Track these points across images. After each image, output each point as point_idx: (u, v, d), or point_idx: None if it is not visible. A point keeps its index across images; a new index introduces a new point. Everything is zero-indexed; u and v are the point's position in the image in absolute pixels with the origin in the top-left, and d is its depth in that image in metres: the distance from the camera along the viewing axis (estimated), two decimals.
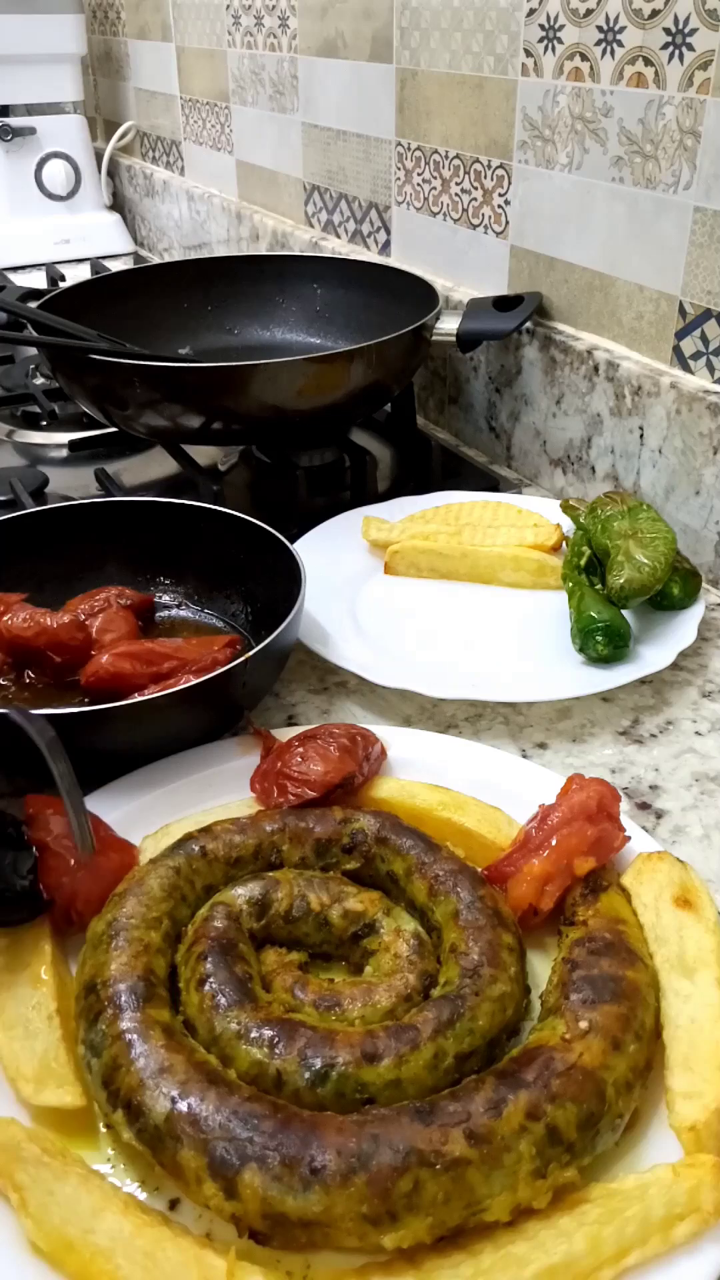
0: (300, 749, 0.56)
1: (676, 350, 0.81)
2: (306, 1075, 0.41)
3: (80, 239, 1.71)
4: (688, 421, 0.78)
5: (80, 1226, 0.37)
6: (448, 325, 0.94)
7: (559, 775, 0.57)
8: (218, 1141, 0.38)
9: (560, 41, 0.84)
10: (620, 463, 0.87)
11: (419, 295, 0.96)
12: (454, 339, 0.94)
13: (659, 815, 0.60)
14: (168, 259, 1.74)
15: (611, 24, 0.79)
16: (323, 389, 0.83)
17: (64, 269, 1.61)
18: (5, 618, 0.66)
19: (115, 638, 0.67)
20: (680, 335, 0.80)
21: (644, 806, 0.60)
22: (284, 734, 0.59)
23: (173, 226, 1.74)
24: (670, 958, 0.46)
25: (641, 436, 0.83)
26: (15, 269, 1.63)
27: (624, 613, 0.70)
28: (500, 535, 0.81)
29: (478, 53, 0.94)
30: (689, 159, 0.75)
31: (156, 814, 0.55)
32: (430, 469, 0.97)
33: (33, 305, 0.92)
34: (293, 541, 0.69)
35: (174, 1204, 0.41)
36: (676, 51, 0.74)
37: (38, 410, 1.10)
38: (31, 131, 1.66)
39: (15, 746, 0.58)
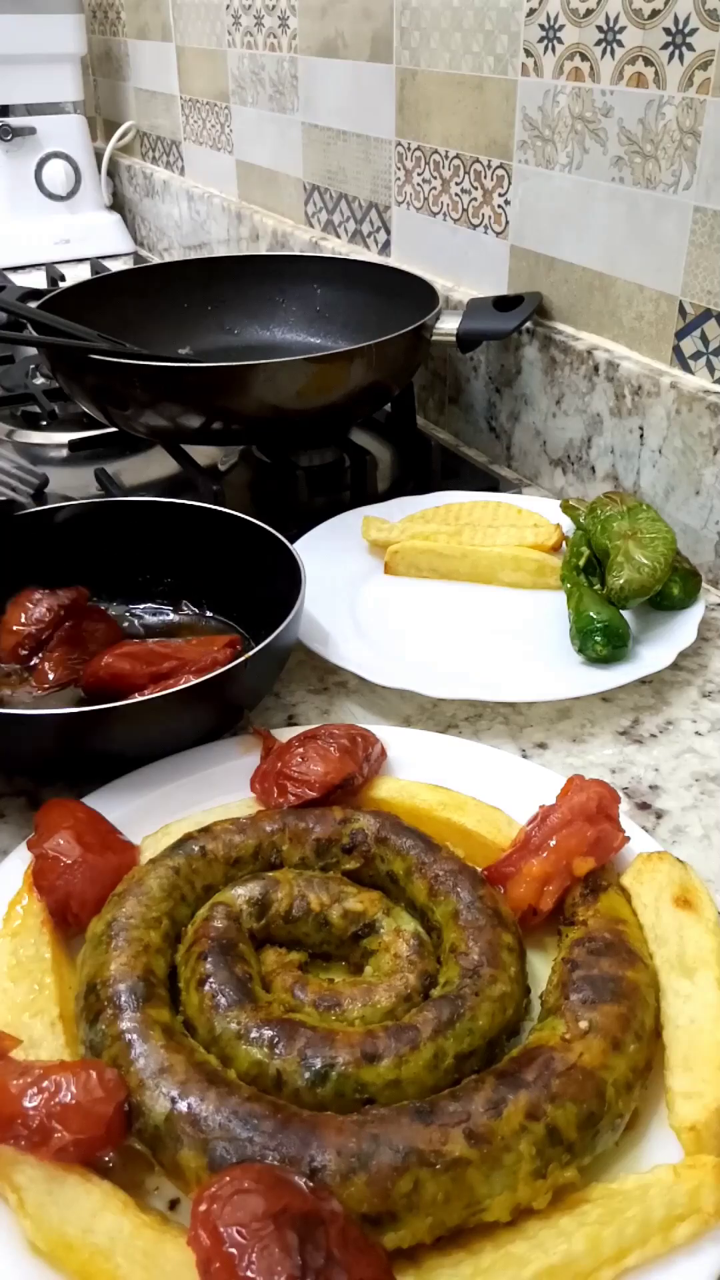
0: (300, 749, 0.56)
1: (676, 350, 0.81)
2: (306, 1075, 0.41)
3: (80, 239, 1.71)
4: (688, 421, 0.78)
5: (79, 1226, 0.37)
6: (448, 325, 0.94)
7: (559, 775, 0.57)
8: (217, 1141, 0.38)
9: (560, 41, 0.84)
10: (620, 463, 0.87)
11: (419, 295, 0.96)
12: (454, 339, 0.94)
13: (659, 815, 0.60)
14: (168, 259, 1.74)
15: (611, 24, 0.79)
16: (323, 389, 0.83)
17: (64, 269, 1.61)
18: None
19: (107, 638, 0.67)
20: (680, 335, 0.80)
21: (644, 806, 0.60)
22: (284, 734, 0.59)
23: (173, 226, 1.74)
24: (670, 958, 0.46)
25: (641, 436, 0.83)
26: (15, 269, 1.63)
27: (623, 613, 0.70)
28: (500, 535, 0.81)
29: (478, 53, 0.94)
30: (689, 159, 0.75)
31: (156, 814, 0.55)
32: (430, 469, 0.97)
33: (33, 305, 0.92)
34: (293, 541, 0.69)
35: (174, 1204, 0.40)
36: (676, 51, 0.74)
37: (38, 410, 1.10)
38: (31, 131, 1.66)
39: (15, 747, 0.59)
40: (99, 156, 1.83)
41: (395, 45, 1.05)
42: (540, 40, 0.86)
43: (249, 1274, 0.33)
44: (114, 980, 0.44)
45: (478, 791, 0.56)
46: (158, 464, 0.99)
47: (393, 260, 1.15)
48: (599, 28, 0.80)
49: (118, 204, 1.94)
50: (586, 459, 0.90)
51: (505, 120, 0.92)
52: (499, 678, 0.68)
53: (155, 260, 1.77)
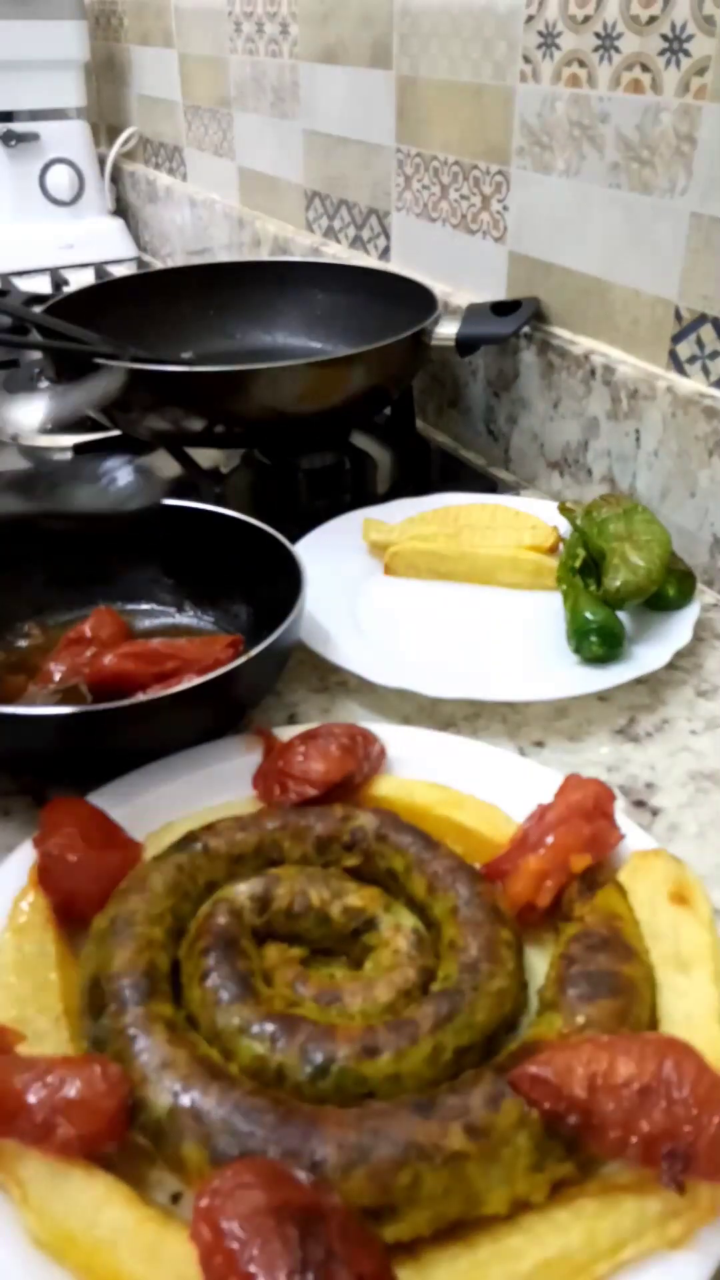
0: (301, 748, 0.56)
1: (672, 354, 0.81)
2: (307, 1069, 0.41)
3: (84, 244, 1.72)
4: (683, 424, 0.79)
5: (83, 1220, 0.37)
6: (446, 330, 0.94)
7: (556, 773, 0.57)
8: (219, 1135, 0.38)
9: (558, 48, 0.85)
10: (616, 465, 0.87)
11: (418, 300, 0.96)
12: (453, 343, 0.94)
13: (655, 813, 0.60)
14: (170, 264, 1.75)
15: (609, 30, 0.79)
16: (323, 392, 0.84)
17: (68, 274, 1.62)
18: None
19: (112, 634, 0.68)
20: (676, 339, 0.81)
21: (640, 804, 0.61)
22: (285, 733, 0.59)
23: (175, 232, 1.74)
24: (666, 953, 0.46)
25: (637, 439, 0.84)
26: (19, 274, 1.63)
27: (619, 613, 0.70)
28: (498, 537, 0.82)
29: (476, 59, 0.94)
30: (685, 165, 0.76)
31: (159, 812, 0.56)
32: (429, 471, 0.98)
33: (37, 309, 0.93)
34: (293, 543, 0.70)
35: (176, 1197, 0.41)
36: (673, 57, 0.74)
37: None
38: (35, 137, 1.67)
39: (21, 745, 0.59)
40: (102, 162, 1.84)
41: (395, 52, 1.06)
42: (538, 47, 0.87)
43: (250, 1268, 0.33)
44: (117, 976, 0.44)
45: (476, 789, 0.57)
46: (160, 467, 0.99)
47: (392, 266, 1.15)
48: (596, 34, 0.80)
49: (121, 209, 1.94)
50: (583, 461, 0.91)
51: (504, 127, 0.93)
52: (497, 677, 0.69)
53: (158, 265, 1.78)
